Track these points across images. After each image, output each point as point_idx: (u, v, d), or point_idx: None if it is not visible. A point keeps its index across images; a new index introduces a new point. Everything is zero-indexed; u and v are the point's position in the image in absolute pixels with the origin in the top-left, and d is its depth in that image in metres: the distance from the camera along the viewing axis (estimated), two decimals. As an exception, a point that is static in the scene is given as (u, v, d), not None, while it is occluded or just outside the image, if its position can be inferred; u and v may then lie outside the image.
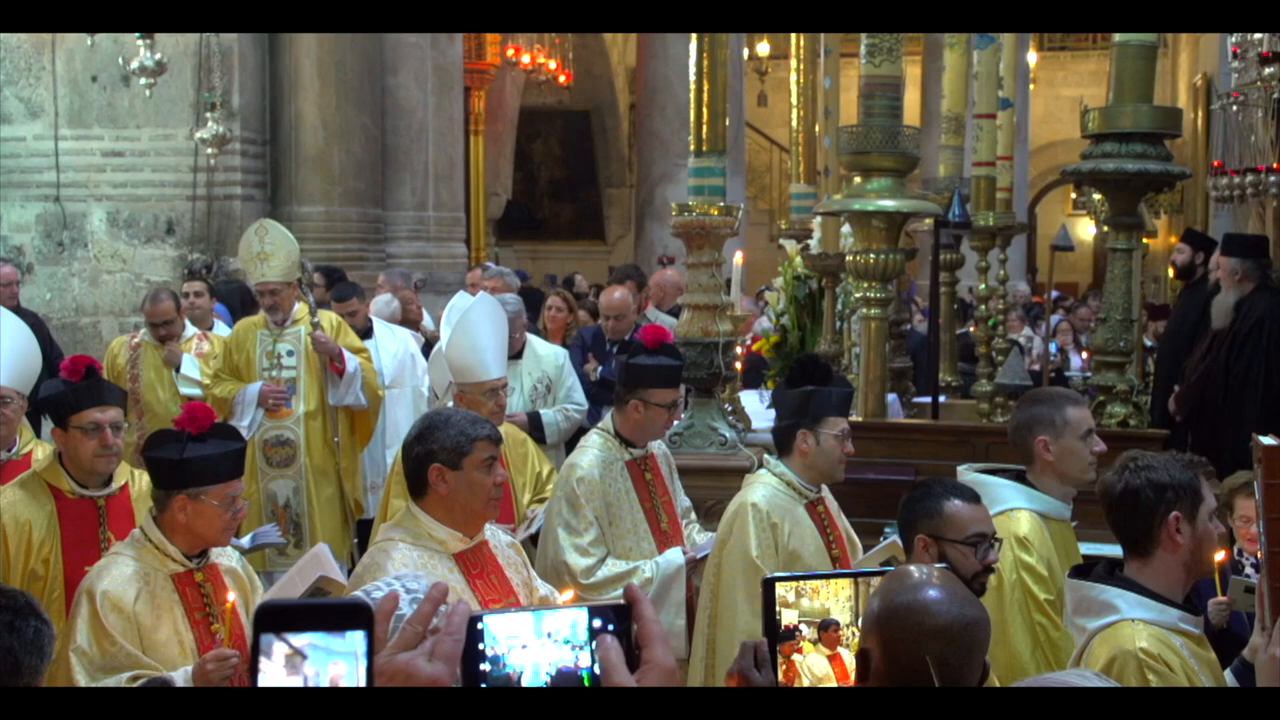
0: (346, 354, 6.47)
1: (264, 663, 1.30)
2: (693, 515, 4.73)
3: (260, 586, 3.86)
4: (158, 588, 3.49)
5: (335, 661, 1.31)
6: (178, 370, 6.85)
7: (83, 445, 4.07)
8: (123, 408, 4.41)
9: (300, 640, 1.31)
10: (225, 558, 3.70)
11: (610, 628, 1.43)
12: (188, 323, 7.20)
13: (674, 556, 4.44)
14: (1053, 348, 10.02)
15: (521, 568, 3.72)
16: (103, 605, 3.40)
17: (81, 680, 3.35)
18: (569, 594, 3.50)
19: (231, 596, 3.52)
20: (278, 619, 1.32)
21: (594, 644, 1.42)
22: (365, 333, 7.30)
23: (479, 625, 1.41)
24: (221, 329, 7.67)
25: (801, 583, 2.12)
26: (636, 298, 8.68)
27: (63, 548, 4.07)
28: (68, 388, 4.10)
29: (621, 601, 1.45)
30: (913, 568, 2.22)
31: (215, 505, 3.49)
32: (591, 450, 4.54)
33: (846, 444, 4.06)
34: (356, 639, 1.32)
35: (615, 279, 9.26)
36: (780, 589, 2.09)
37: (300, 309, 6.52)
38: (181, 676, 3.35)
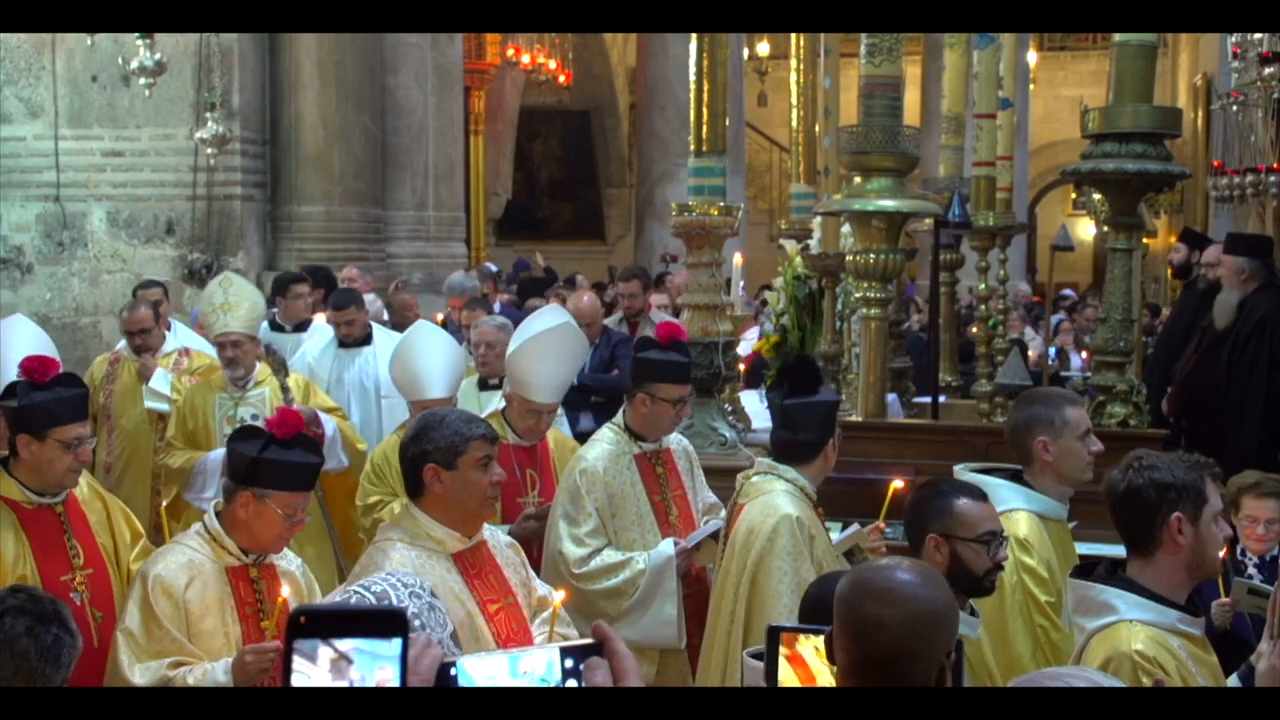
0: (323, 417, 5.93)
1: (308, 666, 1.30)
2: (721, 513, 4.72)
3: (320, 594, 3.83)
4: (211, 578, 3.50)
5: (383, 666, 1.31)
6: (147, 383, 6.48)
7: (60, 459, 3.88)
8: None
9: (346, 645, 1.30)
10: (285, 561, 3.69)
11: (581, 668, 1.42)
12: (170, 336, 6.78)
13: (664, 548, 4.49)
14: (1051, 352, 9.94)
15: (520, 568, 3.72)
16: (154, 589, 3.44)
17: (124, 660, 3.40)
18: (562, 594, 3.51)
19: (285, 592, 3.51)
20: (317, 624, 1.32)
21: (582, 668, 1.42)
22: (364, 340, 6.99)
23: (451, 672, 1.41)
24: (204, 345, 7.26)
25: (805, 635, 2.09)
26: (642, 297, 8.69)
27: (36, 561, 3.89)
28: (52, 397, 3.89)
29: (592, 640, 1.45)
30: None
31: (277, 512, 3.48)
32: (601, 444, 4.64)
33: None
34: (398, 645, 1.32)
35: (622, 277, 9.24)
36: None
37: (262, 369, 6.07)
38: (222, 667, 3.37)
